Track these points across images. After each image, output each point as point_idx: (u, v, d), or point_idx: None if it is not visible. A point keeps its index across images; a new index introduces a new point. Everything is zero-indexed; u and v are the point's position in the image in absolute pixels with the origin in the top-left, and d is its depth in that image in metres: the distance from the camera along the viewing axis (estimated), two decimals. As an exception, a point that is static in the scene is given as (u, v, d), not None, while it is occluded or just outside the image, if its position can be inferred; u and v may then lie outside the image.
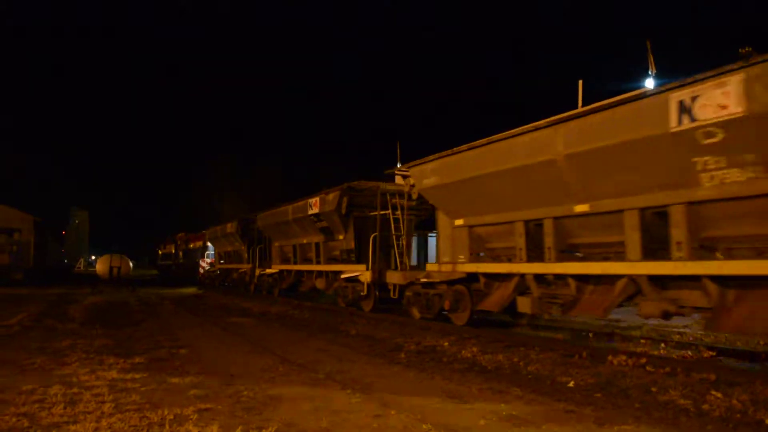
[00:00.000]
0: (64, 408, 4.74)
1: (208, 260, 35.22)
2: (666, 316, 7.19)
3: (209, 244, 33.77)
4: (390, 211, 13.25)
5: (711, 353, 7.77)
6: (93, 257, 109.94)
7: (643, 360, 6.86)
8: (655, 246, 7.22)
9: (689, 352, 7.95)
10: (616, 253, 7.78)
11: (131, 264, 50.27)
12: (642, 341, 8.89)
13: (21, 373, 6.34)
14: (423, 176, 11.06)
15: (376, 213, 13.65)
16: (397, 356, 7.74)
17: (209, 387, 5.66)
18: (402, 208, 13.02)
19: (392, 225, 13.16)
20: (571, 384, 5.94)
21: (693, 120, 6.26)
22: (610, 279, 7.83)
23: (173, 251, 46.41)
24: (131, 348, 8.26)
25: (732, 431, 4.33)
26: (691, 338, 9.23)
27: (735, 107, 5.88)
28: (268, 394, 5.38)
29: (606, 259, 7.94)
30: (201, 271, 35.81)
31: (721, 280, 6.45)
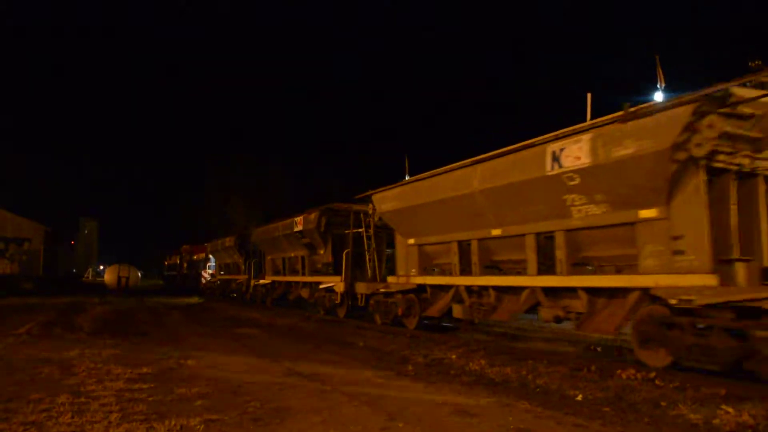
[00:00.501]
0: (72, 417, 4.75)
1: (210, 271, 36.59)
2: (557, 320, 8.77)
3: (211, 256, 35.45)
4: (363, 229, 14.81)
5: (715, 367, 7.67)
6: (101, 267, 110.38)
7: (653, 374, 6.80)
8: (548, 263, 8.95)
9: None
10: (523, 269, 9.45)
11: (139, 274, 50.68)
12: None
13: (29, 382, 6.36)
14: (382, 202, 13.06)
15: (349, 231, 15.42)
16: (404, 369, 7.71)
17: (216, 398, 5.66)
18: (373, 227, 14.43)
19: (365, 241, 14.73)
20: (580, 398, 5.89)
21: (561, 166, 8.13)
22: (518, 290, 9.54)
23: (178, 262, 48.16)
24: (138, 358, 8.27)
25: (743, 447, 4.28)
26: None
27: (585, 158, 7.77)
28: (276, 405, 5.37)
29: (518, 273, 9.64)
30: (203, 281, 37.35)
31: (591, 290, 8.23)
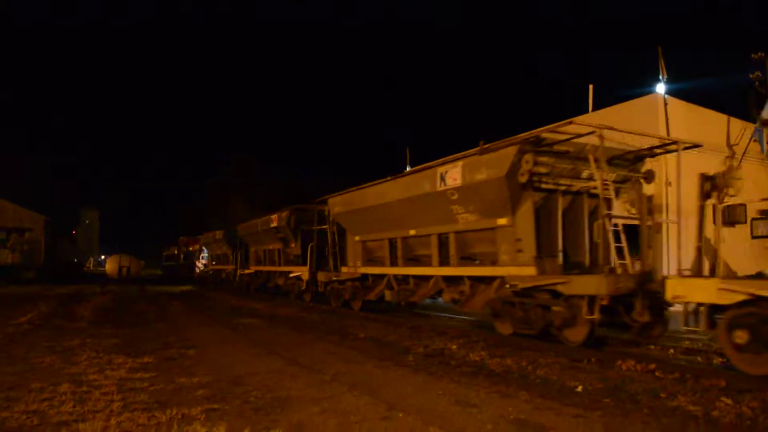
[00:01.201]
0: (73, 406, 4.77)
1: (203, 261, 39.54)
2: (455, 302, 11.17)
3: (204, 247, 38.43)
4: (327, 226, 16.96)
5: (721, 359, 7.71)
6: (102, 257, 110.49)
7: (652, 365, 6.82)
8: (447, 257, 11.37)
9: (699, 358, 7.90)
10: (430, 261, 12.00)
11: (142, 263, 51.05)
12: (651, 347, 8.83)
13: (31, 372, 6.38)
14: (334, 206, 15.73)
15: (314, 227, 18.01)
16: (405, 359, 7.73)
17: (217, 387, 5.68)
18: (331, 225, 16.69)
19: (328, 237, 16.85)
20: (580, 389, 5.91)
21: (445, 185, 10.61)
22: (427, 278, 12.07)
23: (176, 253, 50.95)
24: (140, 347, 8.30)
25: (742, 438, 4.29)
26: (700, 344, 9.15)
27: (459, 180, 10.23)
28: (276, 395, 5.39)
29: (428, 265, 12.07)
30: (197, 270, 40.47)
31: (472, 278, 10.66)
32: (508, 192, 9.28)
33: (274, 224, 20.94)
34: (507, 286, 9.48)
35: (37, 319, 12.18)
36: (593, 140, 8.65)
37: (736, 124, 14.28)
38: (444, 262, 11.50)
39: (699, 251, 7.82)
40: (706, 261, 7.88)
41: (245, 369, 6.74)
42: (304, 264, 18.57)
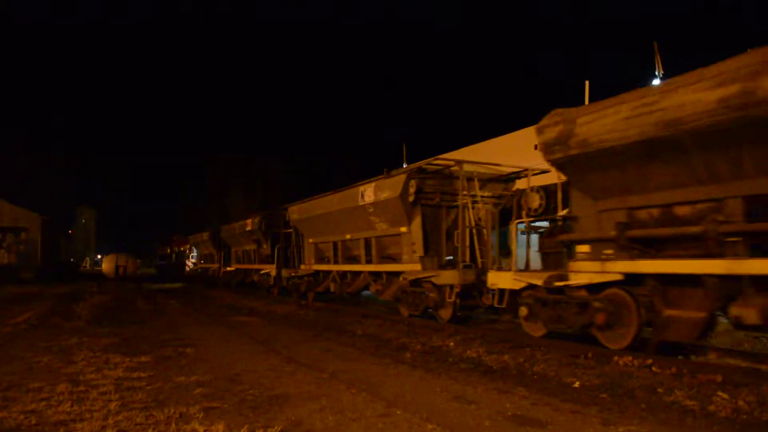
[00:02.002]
0: (71, 406, 4.77)
1: (193, 260, 42.86)
2: (378, 292, 13.83)
3: (193, 247, 41.75)
4: (292, 229, 19.41)
5: (717, 354, 7.74)
6: (99, 256, 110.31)
7: (649, 361, 6.84)
8: (371, 257, 14.22)
9: (695, 354, 7.92)
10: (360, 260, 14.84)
11: (138, 262, 51.46)
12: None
13: (28, 371, 6.38)
14: (293, 213, 18.62)
15: (281, 230, 20.61)
16: (402, 356, 7.74)
17: (215, 386, 5.68)
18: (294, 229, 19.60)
19: (291, 239, 19.71)
20: (577, 384, 5.93)
21: (364, 201, 13.44)
22: (359, 273, 14.94)
23: (168, 252, 54.67)
24: (137, 346, 8.30)
25: (738, 432, 4.31)
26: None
27: (372, 197, 13.02)
28: (274, 393, 5.40)
29: (359, 263, 14.82)
30: (187, 269, 44.04)
31: (387, 273, 13.64)
32: (403, 208, 12.12)
33: (249, 227, 24.06)
34: (403, 278, 12.32)
35: (34, 318, 12.17)
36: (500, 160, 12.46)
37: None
38: (369, 260, 14.32)
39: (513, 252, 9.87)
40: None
41: (243, 367, 6.75)
42: (272, 262, 21.58)
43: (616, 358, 7.12)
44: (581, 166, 8.08)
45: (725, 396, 5.22)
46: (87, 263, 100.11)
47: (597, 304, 7.95)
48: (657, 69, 14.75)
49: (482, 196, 11.76)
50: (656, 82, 14.45)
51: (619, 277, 7.73)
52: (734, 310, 6.39)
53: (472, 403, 5.05)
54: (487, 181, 12.27)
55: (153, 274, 55.67)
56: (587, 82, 15.76)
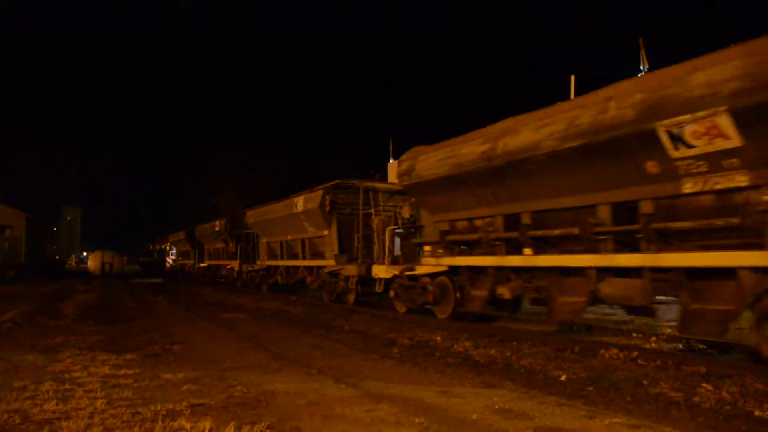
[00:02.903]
0: (57, 404, 4.72)
1: (173, 257, 46.61)
2: (310, 282, 17.78)
3: (173, 245, 45.62)
4: (251, 230, 23.47)
5: (702, 346, 7.83)
6: (85, 254, 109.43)
7: (635, 353, 6.91)
8: (305, 254, 18.03)
9: (680, 345, 8.01)
10: (299, 256, 18.70)
11: (125, 260, 51.63)
12: (633, 335, 8.94)
13: (13, 370, 6.31)
14: (250, 217, 23.07)
15: (243, 231, 24.57)
16: (390, 351, 7.76)
17: (202, 382, 5.66)
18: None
19: (252, 238, 23.84)
20: (563, 378, 5.97)
21: (298, 209, 17.24)
22: (299, 267, 19.00)
23: (151, 249, 57.83)
24: (124, 344, 8.25)
25: (722, 423, 4.37)
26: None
27: (302, 207, 17.05)
28: (262, 389, 5.38)
29: (298, 259, 18.79)
30: (167, 266, 47.80)
31: (317, 267, 17.36)
32: (322, 216, 16.02)
33: (217, 228, 28.30)
34: (326, 270, 16.25)
35: (19, 317, 12.04)
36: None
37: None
38: (305, 257, 18.18)
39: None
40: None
41: (231, 363, 6.73)
42: (236, 259, 25.43)
43: (602, 351, 7.18)
44: (420, 190, 11.66)
45: (709, 387, 5.28)
46: (72, 261, 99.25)
47: (430, 287, 11.38)
48: (642, 64, 14.88)
49: (384, 207, 14.80)
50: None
51: (445, 268, 11.02)
52: (498, 290, 9.66)
53: (460, 397, 5.07)
54: (389, 195, 15.39)
55: (138, 270, 58.24)
56: (573, 77, 15.83)
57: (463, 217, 10.71)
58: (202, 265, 33.04)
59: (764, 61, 5.88)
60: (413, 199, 12.32)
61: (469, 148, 9.95)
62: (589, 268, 8.02)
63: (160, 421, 4.23)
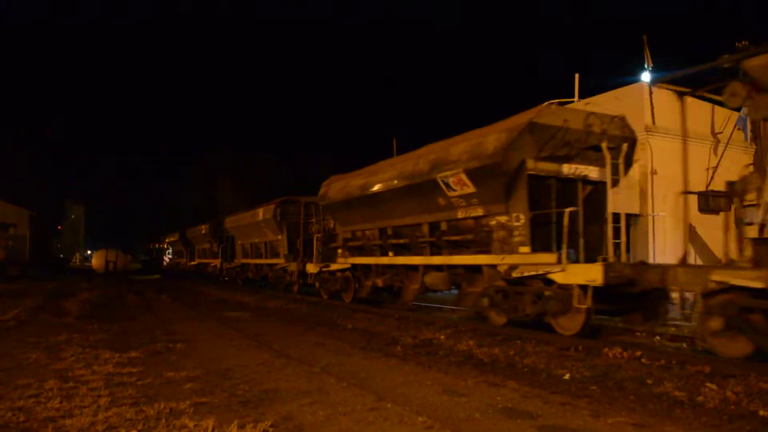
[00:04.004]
0: (60, 402, 4.73)
1: (169, 256, 51.83)
2: (269, 277, 22.65)
3: (169, 245, 50.81)
4: (230, 234, 28.02)
5: (702, 345, 7.79)
6: (89, 252, 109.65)
7: (639, 353, 6.89)
8: (267, 254, 23.17)
9: (684, 345, 7.99)
10: (261, 255, 23.96)
11: (129, 258, 52.12)
12: (638, 334, 8.92)
13: (17, 368, 6.32)
14: (228, 223, 28.08)
15: (224, 234, 29.09)
16: (393, 349, 7.75)
17: (205, 380, 5.66)
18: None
19: (231, 240, 28.52)
20: (567, 377, 5.96)
21: (260, 218, 22.31)
22: (262, 265, 23.67)
23: (151, 248, 63.98)
24: (127, 342, 8.26)
25: (726, 423, 4.35)
26: (686, 331, 9.25)
27: (262, 216, 22.02)
28: (265, 387, 5.38)
29: (261, 258, 23.83)
30: (164, 263, 53.24)
31: (273, 264, 22.50)
32: (276, 224, 20.71)
33: (203, 231, 33.43)
34: (277, 267, 21.21)
35: (23, 314, 12.06)
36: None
37: (722, 112, 14.33)
38: (267, 256, 22.87)
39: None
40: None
41: (234, 362, 6.73)
42: (219, 258, 30.32)
43: (606, 350, 7.16)
44: (331, 209, 16.04)
45: (714, 387, 5.26)
46: (77, 259, 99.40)
47: (343, 275, 15.43)
48: (647, 62, 14.80)
49: (318, 219, 17.50)
50: (645, 75, 14.48)
51: (348, 265, 15.05)
52: (377, 281, 13.70)
53: (463, 396, 5.06)
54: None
55: (139, 268, 62.28)
56: (577, 75, 15.76)
57: (356, 229, 14.89)
58: (192, 263, 37.93)
59: (475, 144, 9.99)
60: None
61: (355, 182, 14.39)
62: (420, 265, 12.00)
63: (163, 420, 4.24)
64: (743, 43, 7.08)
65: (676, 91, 14.08)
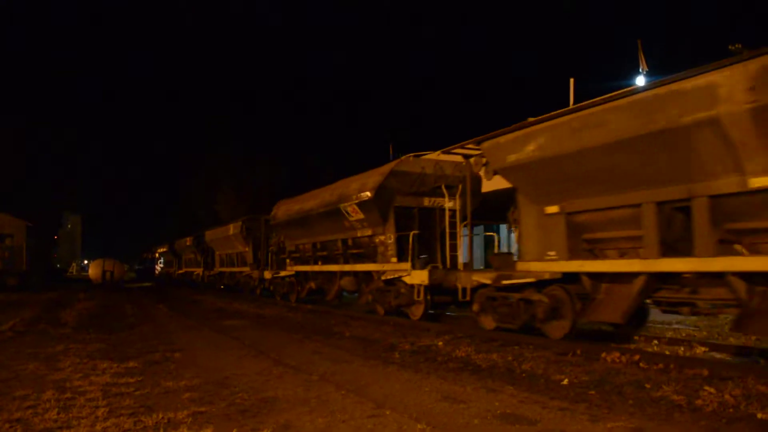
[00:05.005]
0: (58, 413, 4.72)
1: (160, 265, 55.11)
2: (239, 282, 26.98)
3: (160, 255, 54.16)
4: (210, 245, 31.70)
5: (704, 349, 7.82)
6: (86, 262, 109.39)
7: (637, 357, 6.90)
8: (237, 263, 27.77)
9: (682, 349, 8.00)
10: (243, 261, 26.63)
11: (125, 267, 52.37)
12: (635, 338, 8.92)
13: (14, 379, 6.31)
14: (207, 235, 32.43)
15: (205, 246, 32.94)
16: (391, 356, 7.74)
17: (204, 390, 5.65)
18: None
19: (210, 251, 32.64)
20: (565, 382, 5.96)
21: (231, 233, 26.52)
22: (235, 272, 28.03)
23: (144, 258, 68.30)
24: (125, 352, 8.24)
25: (725, 426, 4.35)
26: (684, 335, 9.27)
27: (233, 231, 26.10)
28: (263, 396, 5.38)
29: (233, 267, 28.46)
30: (156, 272, 56.87)
31: (241, 272, 27.42)
32: (243, 238, 24.27)
33: (188, 243, 37.15)
34: (244, 274, 24.64)
35: (21, 325, 12.02)
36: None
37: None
38: (238, 265, 26.40)
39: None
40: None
41: (232, 371, 6.72)
42: (201, 267, 34.26)
43: (604, 354, 7.16)
44: (280, 227, 19.04)
45: (712, 390, 5.27)
46: (74, 269, 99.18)
47: (289, 280, 18.76)
48: (641, 66, 14.91)
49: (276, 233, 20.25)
50: (640, 78, 14.59)
51: (293, 272, 18.27)
52: (311, 285, 17.28)
53: (462, 403, 5.06)
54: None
55: (133, 277, 66.53)
56: (572, 80, 15.84)
57: (298, 243, 18.07)
58: (180, 271, 42.04)
59: (362, 183, 13.30)
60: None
61: (295, 206, 17.68)
62: (337, 271, 15.32)
63: (161, 430, 4.24)
64: (737, 46, 7.11)
65: None
